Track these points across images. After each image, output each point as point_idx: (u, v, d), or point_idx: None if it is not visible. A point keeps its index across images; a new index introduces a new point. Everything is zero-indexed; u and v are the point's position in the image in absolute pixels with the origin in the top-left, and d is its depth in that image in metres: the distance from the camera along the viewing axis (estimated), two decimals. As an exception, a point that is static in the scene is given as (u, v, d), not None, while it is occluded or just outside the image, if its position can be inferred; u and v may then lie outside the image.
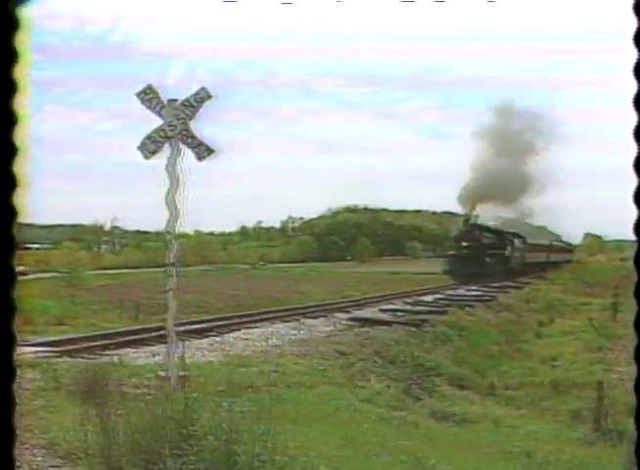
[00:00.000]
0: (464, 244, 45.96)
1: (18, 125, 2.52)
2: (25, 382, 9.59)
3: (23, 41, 2.50)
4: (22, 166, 2.54)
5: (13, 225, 2.55)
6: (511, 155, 53.86)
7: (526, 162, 55.24)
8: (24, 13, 2.50)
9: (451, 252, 46.75)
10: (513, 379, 17.90)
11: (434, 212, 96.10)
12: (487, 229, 50.16)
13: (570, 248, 73.19)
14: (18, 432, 6.71)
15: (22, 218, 2.70)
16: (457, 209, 53.94)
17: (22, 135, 2.55)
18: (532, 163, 54.86)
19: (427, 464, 6.97)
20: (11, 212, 2.53)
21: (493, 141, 52.53)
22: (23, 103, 2.54)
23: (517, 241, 50.74)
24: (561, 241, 68.36)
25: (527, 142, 54.69)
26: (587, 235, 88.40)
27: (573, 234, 73.30)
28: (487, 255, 44.84)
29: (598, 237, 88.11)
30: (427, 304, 27.36)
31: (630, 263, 2.24)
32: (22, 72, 2.51)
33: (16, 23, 2.46)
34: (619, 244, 70.39)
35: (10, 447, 2.50)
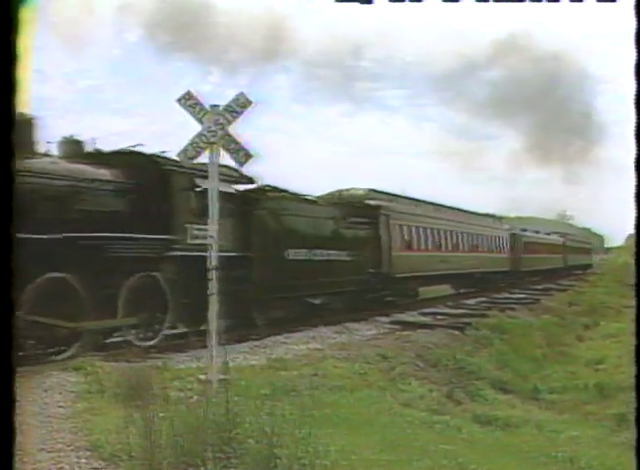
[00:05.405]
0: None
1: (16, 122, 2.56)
2: (70, 385, 9.73)
3: (24, 36, 2.54)
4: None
5: (12, 220, 2.59)
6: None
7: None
8: (25, 9, 2.55)
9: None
10: (556, 383, 17.68)
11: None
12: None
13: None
14: (63, 434, 6.78)
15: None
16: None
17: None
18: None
19: (468, 468, 6.91)
20: (10, 205, 2.57)
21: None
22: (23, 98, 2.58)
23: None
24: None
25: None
26: (631, 236, 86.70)
27: (618, 235, 70.90)
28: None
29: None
30: (468, 306, 27.16)
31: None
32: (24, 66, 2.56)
33: (16, 18, 2.50)
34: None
35: (10, 446, 2.54)
